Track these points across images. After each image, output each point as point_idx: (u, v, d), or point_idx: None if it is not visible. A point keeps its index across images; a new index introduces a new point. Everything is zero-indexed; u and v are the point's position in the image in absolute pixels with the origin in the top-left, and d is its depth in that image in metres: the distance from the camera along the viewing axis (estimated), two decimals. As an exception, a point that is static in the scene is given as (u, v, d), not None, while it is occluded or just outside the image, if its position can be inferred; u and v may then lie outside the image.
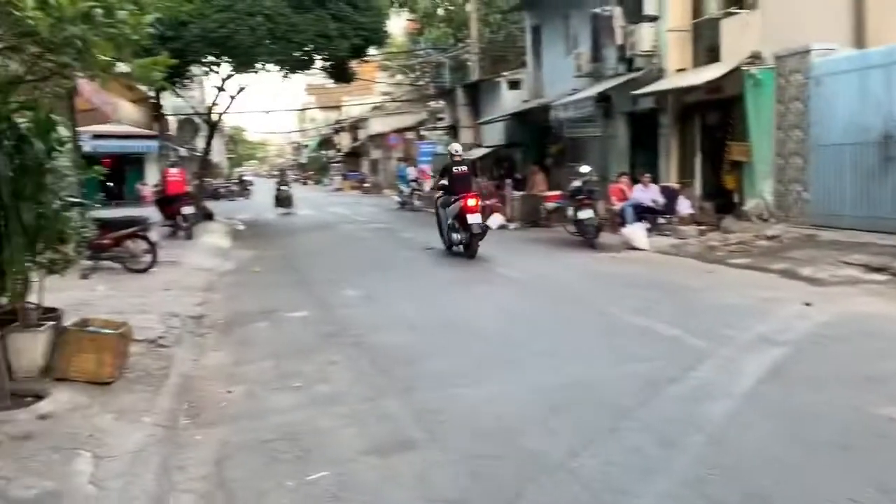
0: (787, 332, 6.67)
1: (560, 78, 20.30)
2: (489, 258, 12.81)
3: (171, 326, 7.61)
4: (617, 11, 16.37)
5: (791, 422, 4.54)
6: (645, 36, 15.53)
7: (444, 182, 13.44)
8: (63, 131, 5.59)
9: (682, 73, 15.21)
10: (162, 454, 4.38)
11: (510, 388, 5.42)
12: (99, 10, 3.44)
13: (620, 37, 16.31)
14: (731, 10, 13.66)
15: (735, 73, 12.97)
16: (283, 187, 28.20)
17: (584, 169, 15.26)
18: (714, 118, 14.89)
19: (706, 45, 15.04)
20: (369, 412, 5.07)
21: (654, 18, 15.60)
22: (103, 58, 3.69)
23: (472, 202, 12.41)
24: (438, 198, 13.73)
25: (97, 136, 28.05)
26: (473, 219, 12.33)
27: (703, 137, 15.38)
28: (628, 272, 10.86)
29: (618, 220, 14.69)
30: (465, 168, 13.57)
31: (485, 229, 12.76)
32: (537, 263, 12.13)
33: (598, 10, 16.79)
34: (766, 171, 13.13)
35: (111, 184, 34.91)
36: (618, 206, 14.65)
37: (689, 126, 15.60)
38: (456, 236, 12.87)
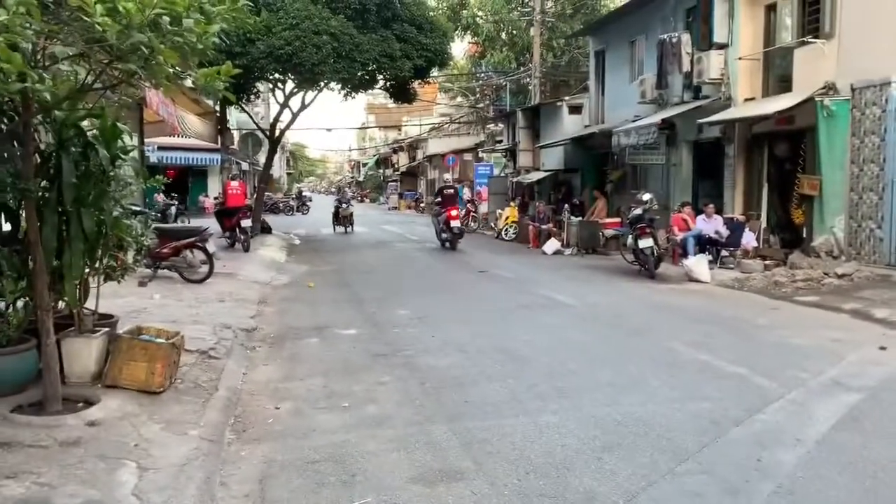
0: (861, 377, 6.29)
1: (623, 104, 20.03)
2: (544, 283, 12.61)
3: (222, 338, 7.62)
4: (685, 38, 16.07)
5: (869, 477, 4.21)
6: (713, 63, 15.18)
7: (438, 199, 20.40)
8: (128, 140, 5.66)
9: (750, 102, 14.80)
10: (206, 469, 4.31)
11: (563, 421, 5.20)
12: (166, 19, 3.43)
13: (687, 64, 15.99)
14: (806, 38, 13.23)
15: (807, 103, 12.53)
16: (343, 205, 26.69)
17: (646, 197, 14.95)
18: (783, 149, 14.41)
19: (778, 75, 14.63)
20: (417, 437, 4.92)
21: (723, 46, 15.24)
22: (168, 66, 3.67)
23: (454, 213, 19.13)
24: (434, 211, 21.02)
25: (163, 148, 28.93)
26: (454, 223, 18.93)
27: (771, 169, 14.90)
28: (688, 305, 10.50)
29: (679, 251, 14.31)
30: (452, 191, 20.87)
31: (462, 231, 19.36)
32: (595, 291, 11.86)
33: (664, 37, 16.51)
34: (837, 207, 12.61)
35: (176, 195, 35.97)
36: (679, 236, 14.27)
37: (757, 157, 15.14)
38: (444, 235, 19.29)
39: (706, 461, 4.41)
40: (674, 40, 16.14)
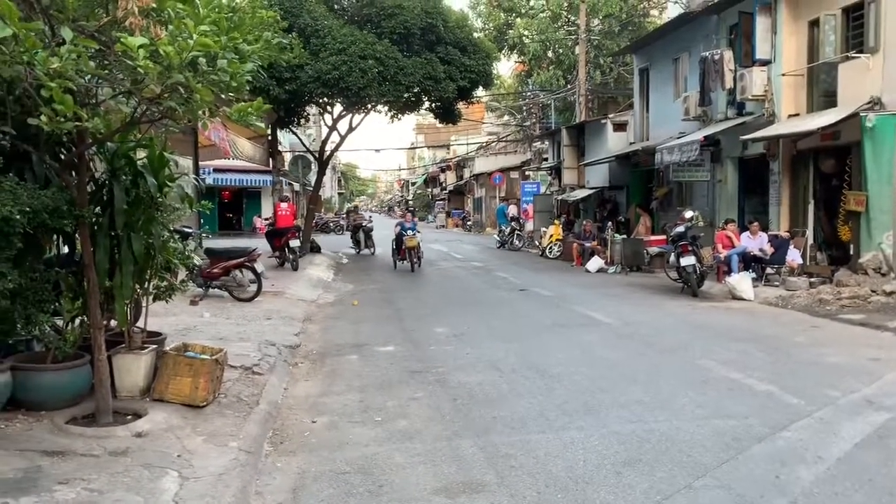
0: (894, 397, 6.24)
1: (667, 121, 19.98)
2: (584, 301, 12.67)
3: (267, 355, 7.93)
4: (727, 55, 16.02)
5: (887, 494, 4.24)
6: (756, 80, 15.09)
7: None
8: (175, 168, 6.03)
9: (795, 118, 14.65)
10: (243, 479, 4.56)
11: (587, 437, 5.32)
12: (202, 60, 3.74)
13: (730, 80, 15.92)
14: (850, 53, 13.09)
15: (853, 119, 12.38)
16: (408, 232, 19.31)
17: (689, 214, 14.93)
18: (829, 165, 14.21)
19: (822, 90, 14.46)
20: (444, 451, 5.10)
21: (766, 62, 15.15)
22: (205, 102, 3.97)
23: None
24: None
25: (218, 170, 29.87)
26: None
27: (816, 185, 14.70)
28: (729, 323, 10.45)
29: (723, 269, 14.19)
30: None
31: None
32: (635, 309, 11.87)
33: (707, 54, 16.48)
34: (885, 223, 12.38)
35: (231, 215, 37.00)
36: (723, 253, 14.16)
37: (802, 173, 14.96)
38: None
39: (724, 477, 4.48)
40: (716, 57, 16.10)
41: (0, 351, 5.30)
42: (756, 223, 14.33)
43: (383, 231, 39.93)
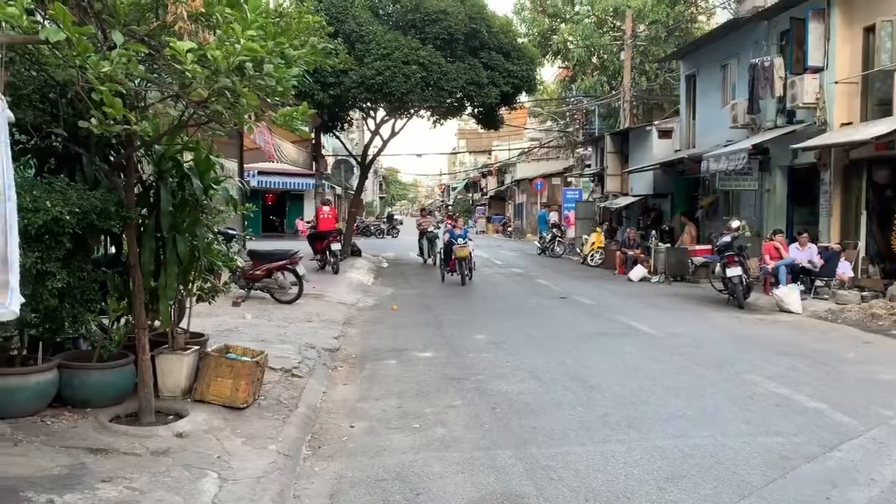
0: (952, 418, 6.00)
1: (714, 128, 19.64)
2: (625, 311, 12.49)
3: (306, 357, 7.97)
4: (778, 62, 15.67)
5: (945, 520, 4.06)
6: (808, 87, 14.72)
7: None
8: (220, 171, 6.09)
9: (847, 127, 14.25)
10: (281, 482, 4.57)
11: (629, 451, 5.21)
12: (249, 64, 3.75)
13: (780, 88, 15.58)
14: (907, 61, 12.70)
15: (909, 128, 12.00)
16: (458, 240, 17.19)
17: (735, 224, 14.65)
18: (883, 176, 13.79)
19: (877, 99, 14.04)
20: (482, 461, 5.04)
21: (818, 69, 14.78)
22: (251, 106, 4.00)
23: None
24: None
25: (263, 173, 30.29)
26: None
27: (869, 196, 14.25)
28: (776, 337, 10.19)
29: (770, 280, 13.86)
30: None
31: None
32: (678, 320, 11.66)
33: (757, 61, 16.15)
34: (942, 236, 11.96)
35: (274, 217, 37.50)
36: (771, 265, 13.83)
37: (855, 183, 14.54)
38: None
39: (772, 496, 4.34)
40: (766, 64, 15.77)
41: (48, 349, 5.39)
42: (805, 234, 13.97)
43: (414, 234, 39.96)
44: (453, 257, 16.91)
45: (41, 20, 3.56)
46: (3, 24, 3.50)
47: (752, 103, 16.51)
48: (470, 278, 16.92)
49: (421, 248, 22.64)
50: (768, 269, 13.90)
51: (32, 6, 3.55)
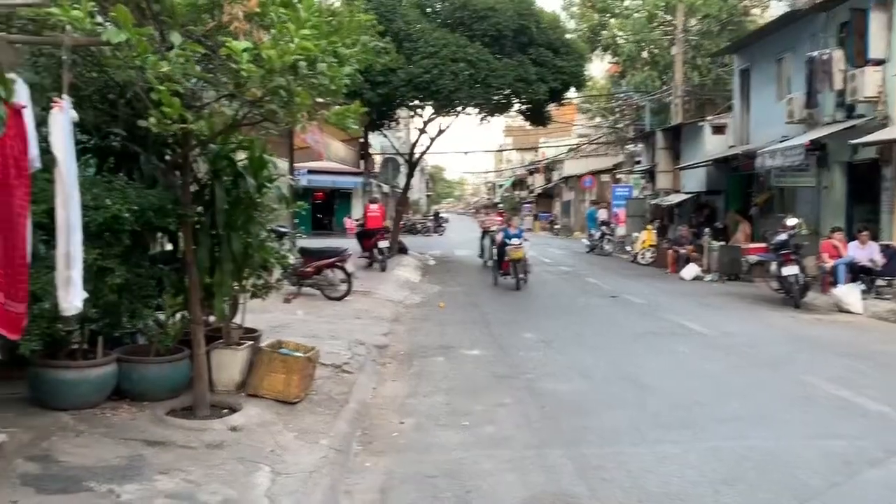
0: None
1: (769, 123, 19.15)
2: (677, 310, 12.28)
3: (356, 354, 8.04)
4: (836, 54, 15.20)
5: None
6: (869, 80, 14.24)
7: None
8: (273, 169, 6.17)
9: (911, 120, 13.76)
10: (332, 477, 4.61)
11: (683, 452, 5.12)
12: (303, 63, 3.79)
13: (840, 81, 15.10)
14: (976, 51, 12.19)
15: (977, 121, 11.52)
16: (512, 240, 15.56)
17: (792, 221, 14.26)
18: (949, 171, 13.28)
19: (943, 91, 13.52)
20: (532, 460, 5.01)
21: (880, 62, 14.29)
22: (305, 105, 4.04)
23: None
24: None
25: (312, 172, 30.62)
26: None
27: (935, 192, 13.74)
28: (834, 337, 9.90)
29: (829, 280, 13.46)
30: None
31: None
32: (732, 320, 11.42)
33: (815, 53, 15.68)
34: None
35: (322, 216, 37.91)
36: (829, 263, 13.44)
37: (919, 179, 14.02)
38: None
39: (833, 501, 4.22)
40: (825, 57, 15.30)
41: (107, 343, 5.54)
42: (866, 232, 13.53)
43: (468, 233, 39.81)
44: (506, 259, 15.51)
45: (102, 22, 3.65)
46: (67, 26, 3.60)
47: (810, 97, 16.04)
48: (525, 282, 15.39)
49: (482, 249, 20.77)
50: (826, 267, 13.50)
51: (95, 9, 3.65)
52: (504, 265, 15.69)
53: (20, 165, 3.43)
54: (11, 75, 3.45)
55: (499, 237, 16.10)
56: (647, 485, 4.53)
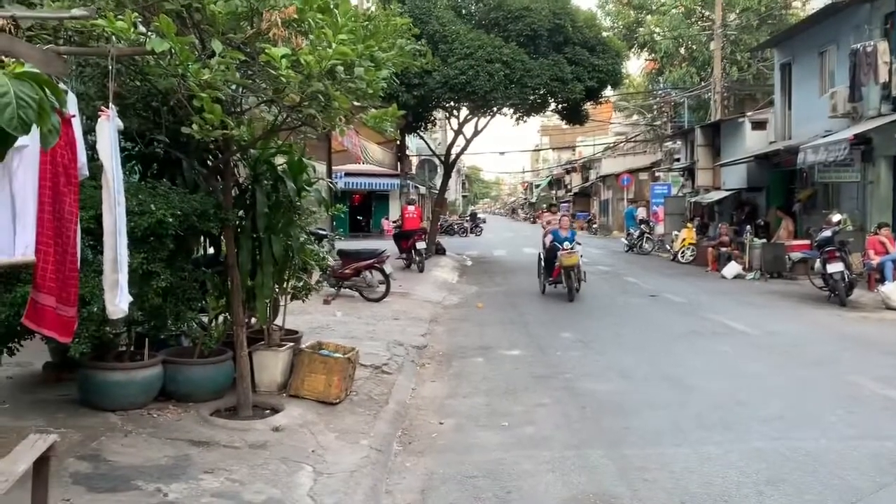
0: None
1: (811, 118, 18.76)
2: (719, 309, 12.10)
3: (395, 354, 8.09)
4: (881, 46, 14.83)
5: None
6: (915, 72, 13.89)
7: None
8: (312, 173, 6.26)
9: (961, 112, 13.37)
10: (374, 477, 4.66)
11: (726, 452, 5.06)
12: (340, 68, 3.84)
13: (885, 74, 14.73)
14: None
15: None
16: (564, 245, 13.56)
17: (836, 217, 13.96)
18: None
19: None
20: (573, 460, 4.99)
21: (927, 52, 13.93)
22: (343, 109, 4.09)
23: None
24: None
25: (349, 174, 30.86)
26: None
27: None
28: (882, 336, 9.66)
29: (875, 277, 13.15)
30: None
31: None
32: (775, 319, 11.21)
33: (858, 46, 15.32)
34: None
35: (360, 217, 38.19)
36: (876, 260, 13.12)
37: (970, 172, 13.62)
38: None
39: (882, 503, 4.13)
40: (869, 49, 14.94)
41: (152, 345, 5.67)
42: (914, 228, 13.18)
43: (505, 233, 39.68)
44: (557, 265, 13.48)
45: (146, 32, 3.75)
46: (112, 37, 3.70)
47: (854, 91, 15.68)
48: (578, 291, 13.41)
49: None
50: (873, 264, 13.18)
51: (139, 19, 3.74)
52: (554, 272, 13.74)
53: (69, 173, 3.53)
54: (61, 85, 3.55)
55: (548, 240, 14.15)
56: (689, 485, 4.49)
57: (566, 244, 13.38)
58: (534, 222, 66.00)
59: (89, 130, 4.40)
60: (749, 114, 23.50)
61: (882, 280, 12.66)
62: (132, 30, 3.48)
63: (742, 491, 4.38)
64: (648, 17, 32.39)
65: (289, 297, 6.61)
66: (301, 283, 6.66)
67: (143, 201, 4.95)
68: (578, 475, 4.73)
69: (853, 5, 16.51)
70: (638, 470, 4.78)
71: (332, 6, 4.20)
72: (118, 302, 3.96)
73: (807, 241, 16.41)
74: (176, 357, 5.77)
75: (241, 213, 5.88)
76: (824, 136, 16.62)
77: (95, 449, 4.58)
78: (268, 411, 5.63)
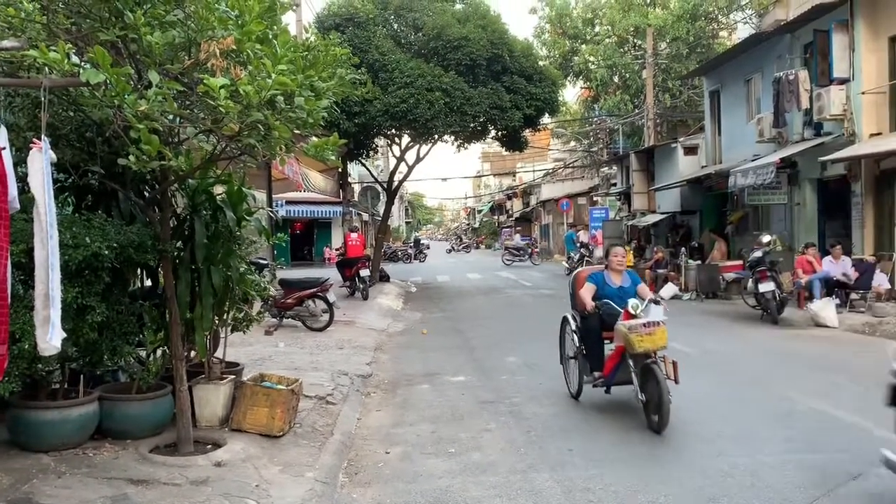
0: None
1: (740, 143, 19.52)
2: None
3: (340, 384, 8.01)
4: (802, 74, 15.57)
5: None
6: (834, 99, 14.60)
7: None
8: (252, 202, 6.20)
9: (877, 137, 14.09)
10: (319, 510, 4.59)
11: (668, 471, 5.16)
12: (280, 98, 3.84)
13: (806, 101, 15.46)
14: (936, 69, 12.56)
15: (940, 136, 11.83)
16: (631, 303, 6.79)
17: (766, 238, 14.49)
18: (916, 185, 13.59)
19: (906, 108, 13.89)
20: (519, 485, 5.02)
21: (844, 81, 14.66)
22: (282, 138, 4.08)
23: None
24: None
25: (291, 202, 30.61)
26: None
27: (903, 206, 14.05)
28: (812, 352, 10.02)
29: (804, 295, 13.66)
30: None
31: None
32: (712, 338, 11.52)
33: (781, 74, 16.05)
34: (980, 244, 11.73)
35: (303, 246, 37.82)
36: (804, 279, 13.64)
37: (887, 194, 14.32)
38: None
39: (816, 516, 4.27)
40: (791, 77, 15.67)
41: (88, 382, 5.49)
42: (839, 247, 13.77)
43: (448, 259, 39.74)
44: (615, 347, 6.87)
45: (80, 63, 3.69)
46: (45, 68, 3.63)
47: (778, 117, 16.40)
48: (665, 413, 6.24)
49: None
50: (802, 283, 13.70)
51: (72, 50, 3.68)
52: (609, 362, 6.93)
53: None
54: (-11, 117, 3.47)
55: (586, 297, 7.11)
56: (633, 505, 4.56)
57: (633, 304, 6.59)
58: (476, 247, 66.29)
59: (20, 162, 4.28)
60: (681, 139, 24.29)
61: (811, 298, 13.15)
62: (66, 61, 3.43)
63: (685, 509, 4.47)
64: (583, 46, 33.24)
65: (229, 328, 6.50)
66: (242, 315, 6.55)
67: (77, 234, 4.82)
68: (525, 499, 4.75)
69: (775, 36, 17.33)
70: (582, 492, 4.84)
71: (271, 37, 4.21)
72: (49, 339, 3.84)
73: (739, 262, 16.96)
74: (113, 393, 5.59)
75: (179, 244, 5.78)
76: (752, 161, 17.30)
77: (27, 492, 4.39)
78: (209, 446, 5.50)
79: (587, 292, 7.11)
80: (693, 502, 4.55)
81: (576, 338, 7.35)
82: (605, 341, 7.05)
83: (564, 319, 7.83)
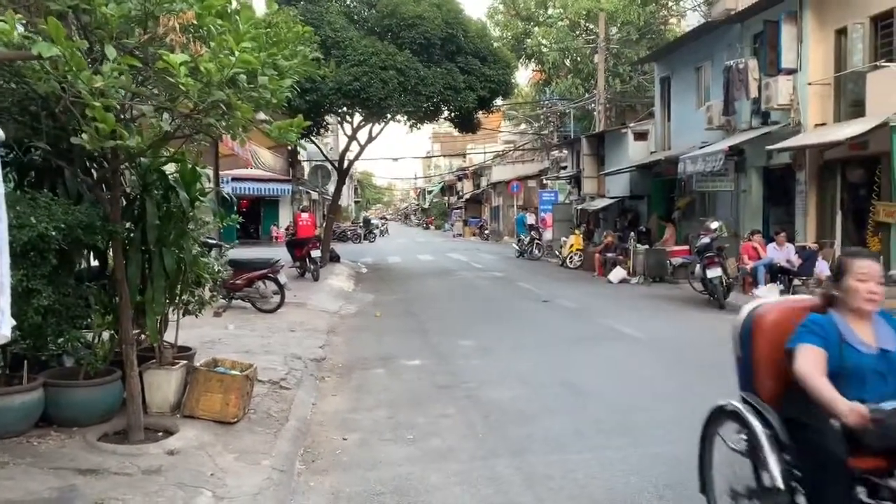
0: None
1: (689, 130, 19.83)
2: (609, 314, 12.53)
3: (293, 368, 7.87)
4: (751, 64, 15.85)
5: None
6: (782, 89, 14.92)
7: None
8: (206, 182, 5.99)
9: (821, 127, 14.47)
10: (277, 499, 4.50)
11: (626, 457, 5.22)
12: (243, 77, 3.69)
13: (755, 90, 15.76)
14: (879, 62, 12.91)
15: (882, 128, 12.18)
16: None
17: (714, 225, 14.78)
18: (857, 176, 14.02)
19: (850, 100, 14.28)
20: (480, 471, 5.01)
21: (792, 71, 14.99)
22: (244, 118, 3.93)
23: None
24: None
25: (237, 179, 29.97)
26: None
27: (844, 195, 14.48)
28: (758, 336, 10.27)
29: (749, 281, 14.01)
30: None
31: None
32: (662, 322, 11.73)
33: (731, 63, 16.32)
34: (916, 234, 12.18)
35: (248, 224, 37.12)
36: (749, 265, 13.99)
37: (830, 183, 14.76)
38: None
39: (771, 502, 4.35)
40: (741, 66, 15.95)
41: (32, 367, 5.26)
42: (783, 234, 14.13)
43: (398, 239, 39.65)
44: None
45: (30, 35, 3.46)
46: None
47: (727, 105, 16.69)
48: None
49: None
50: (747, 269, 14.05)
51: (22, 21, 3.46)
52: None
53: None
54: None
55: (822, 383, 3.18)
56: (593, 492, 4.60)
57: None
58: (426, 228, 66.29)
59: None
60: (631, 125, 24.59)
61: (755, 284, 13.50)
62: (15, 32, 3.21)
63: (644, 496, 4.53)
64: (536, 28, 33.28)
65: (181, 312, 6.30)
66: (195, 298, 6.36)
67: (21, 213, 4.58)
68: (486, 487, 4.74)
69: (725, 25, 17.59)
70: (543, 478, 4.85)
71: (230, 12, 4.03)
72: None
73: (686, 247, 17.30)
74: (58, 379, 5.37)
75: (129, 224, 5.55)
76: (701, 147, 17.60)
77: (-32, 484, 4.19)
78: (161, 434, 5.34)
79: (814, 365, 3.28)
80: (653, 490, 4.62)
81: (772, 462, 3.30)
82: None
83: (720, 414, 4.13)
